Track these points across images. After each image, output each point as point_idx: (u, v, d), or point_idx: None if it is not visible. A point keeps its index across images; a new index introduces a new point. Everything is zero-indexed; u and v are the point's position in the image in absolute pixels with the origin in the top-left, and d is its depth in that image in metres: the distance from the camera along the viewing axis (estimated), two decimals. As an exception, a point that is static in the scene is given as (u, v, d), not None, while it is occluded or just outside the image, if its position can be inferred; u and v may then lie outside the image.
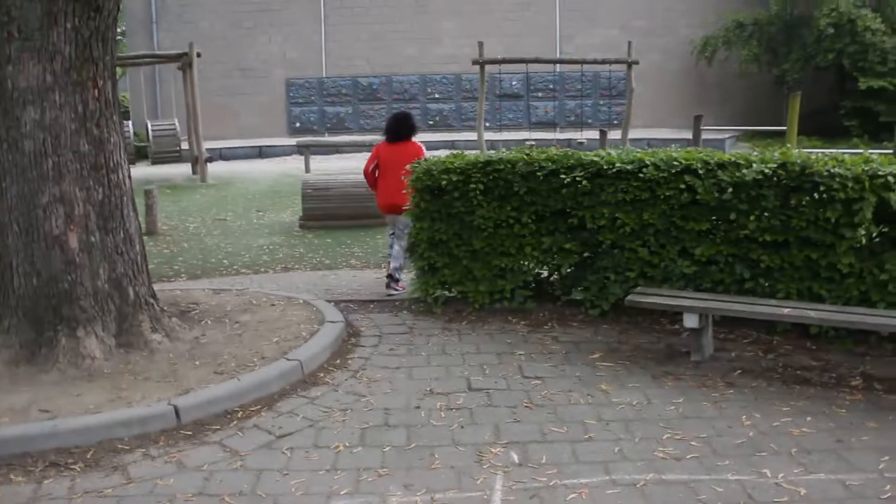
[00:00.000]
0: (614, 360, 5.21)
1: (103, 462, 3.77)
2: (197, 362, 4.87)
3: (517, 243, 6.17)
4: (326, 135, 24.01)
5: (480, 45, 17.49)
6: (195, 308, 6.01)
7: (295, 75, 24.44)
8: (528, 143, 19.67)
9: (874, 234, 5.34)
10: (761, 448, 3.94)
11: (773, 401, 4.54)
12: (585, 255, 6.16)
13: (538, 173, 6.00)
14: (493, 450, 3.92)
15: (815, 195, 5.32)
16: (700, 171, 5.63)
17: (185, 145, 19.93)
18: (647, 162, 5.77)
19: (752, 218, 5.48)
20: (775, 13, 22.10)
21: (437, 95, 24.90)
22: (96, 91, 4.91)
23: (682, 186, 5.65)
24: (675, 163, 5.70)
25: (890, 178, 5.12)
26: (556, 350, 5.42)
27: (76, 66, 4.78)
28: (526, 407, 4.46)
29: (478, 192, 6.08)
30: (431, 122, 24.67)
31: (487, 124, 23.14)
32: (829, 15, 20.35)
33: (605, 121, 23.99)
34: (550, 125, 24.47)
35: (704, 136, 16.84)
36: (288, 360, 4.82)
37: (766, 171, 5.42)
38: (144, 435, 4.00)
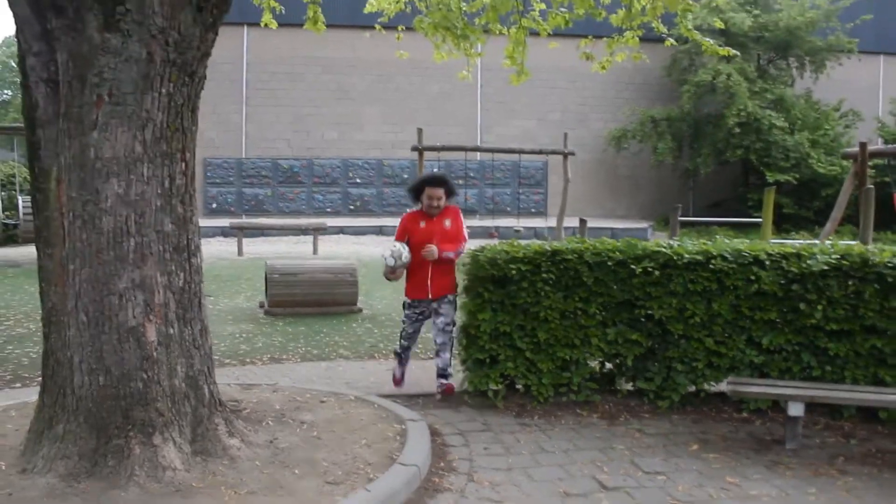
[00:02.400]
0: (716, 452, 5.04)
1: None
2: (296, 471, 4.27)
3: (582, 334, 5.95)
4: (244, 216, 23.20)
5: (419, 131, 17.55)
6: (242, 407, 5.37)
7: (213, 155, 23.68)
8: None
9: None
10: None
11: (897, 486, 4.49)
12: (650, 345, 6.00)
13: (608, 263, 5.86)
14: (680, 556, 3.60)
15: (878, 285, 5.45)
16: (766, 263, 5.66)
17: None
18: (715, 253, 5.75)
19: (819, 308, 5.53)
20: (686, 111, 23.53)
21: (358, 180, 24.73)
22: (184, 164, 4.39)
23: (752, 277, 5.65)
24: (744, 254, 5.71)
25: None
26: (651, 444, 5.17)
27: (167, 136, 4.26)
28: (675, 505, 4.17)
29: (548, 282, 5.86)
30: (352, 207, 24.38)
31: (408, 210, 23.14)
32: (737, 115, 21.85)
33: (524, 209, 24.48)
34: (471, 213, 24.71)
35: (620, 224, 17.48)
36: (404, 465, 4.32)
37: (832, 261, 5.52)
38: (293, 562, 3.41)
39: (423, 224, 6.20)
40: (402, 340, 6.47)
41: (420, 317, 6.35)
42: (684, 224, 20.76)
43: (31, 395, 6.05)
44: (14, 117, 37.31)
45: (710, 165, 23.29)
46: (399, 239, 6.23)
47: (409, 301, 6.34)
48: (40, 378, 6.99)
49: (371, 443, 4.74)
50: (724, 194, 24.05)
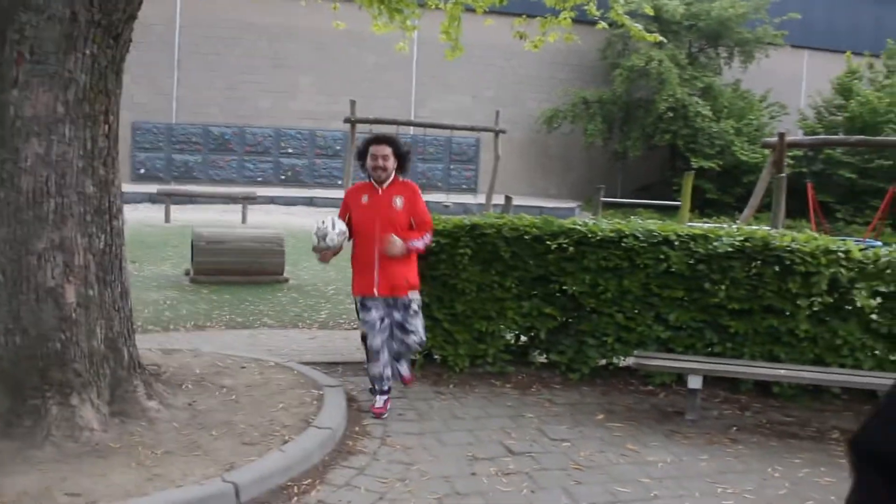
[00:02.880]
0: (619, 421, 5.33)
1: (171, 551, 3.28)
2: (213, 433, 4.37)
3: (499, 306, 6.16)
4: (173, 183, 22.74)
5: (353, 103, 17.48)
6: (163, 371, 5.41)
7: (142, 119, 23.09)
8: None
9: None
10: (805, 497, 4.23)
11: (782, 454, 4.89)
12: (564, 319, 6.26)
13: (525, 238, 6.07)
14: (578, 516, 3.86)
15: (777, 268, 5.81)
16: (675, 243, 5.96)
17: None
18: (627, 232, 6.03)
19: (722, 287, 5.86)
20: (618, 94, 24.03)
21: (290, 150, 24.49)
22: (107, 126, 4.38)
23: (661, 257, 5.95)
24: (654, 234, 6.00)
25: (840, 254, 5.71)
26: (560, 413, 5.44)
27: (90, 98, 4.25)
28: (576, 469, 4.44)
29: (466, 255, 6.04)
30: (283, 177, 24.16)
31: (340, 183, 23.07)
32: (667, 100, 22.44)
33: (455, 185, 24.68)
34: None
35: (549, 203, 17.80)
36: (319, 428, 4.46)
37: (737, 243, 5.85)
38: (205, 518, 3.53)
39: (365, 199, 5.10)
40: (369, 364, 5.17)
41: (382, 323, 5.08)
42: (610, 205, 21.29)
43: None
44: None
45: (640, 149, 23.91)
46: (341, 216, 5.11)
47: (358, 299, 5.18)
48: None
49: (288, 407, 4.86)
50: (651, 178, 24.74)
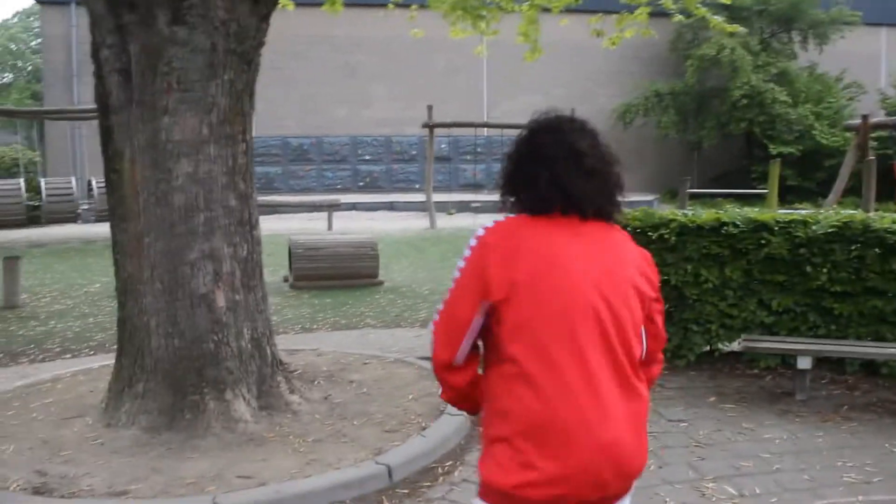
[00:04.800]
0: (732, 403, 5.49)
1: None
2: (354, 422, 4.73)
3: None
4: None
5: (430, 108, 17.90)
6: (294, 369, 5.81)
7: (224, 136, 24.03)
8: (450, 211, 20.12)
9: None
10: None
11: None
12: (667, 308, 6.42)
13: (626, 229, 6.25)
14: (706, 485, 4.07)
15: (879, 249, 5.85)
16: (775, 228, 6.06)
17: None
18: (727, 220, 6.16)
19: (824, 270, 5.94)
20: (691, 85, 23.84)
21: (367, 157, 25.10)
22: (244, 144, 4.80)
23: (762, 242, 6.06)
24: (755, 221, 6.11)
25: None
26: (673, 396, 5.62)
27: (229, 119, 4.67)
28: (697, 446, 4.64)
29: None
30: (362, 184, 24.77)
31: (417, 186, 23.54)
32: (741, 87, 22.17)
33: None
34: (478, 188, 25.09)
35: (628, 197, 17.82)
36: (451, 415, 4.77)
37: (836, 226, 5.92)
38: (364, 497, 3.86)
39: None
40: None
41: None
42: (691, 196, 21.13)
43: (89, 362, 6.54)
44: (16, 99, 37.53)
45: (714, 139, 23.66)
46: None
47: None
48: (94, 347, 7.48)
49: (418, 397, 5.19)
50: (727, 167, 24.43)
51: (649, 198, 21.63)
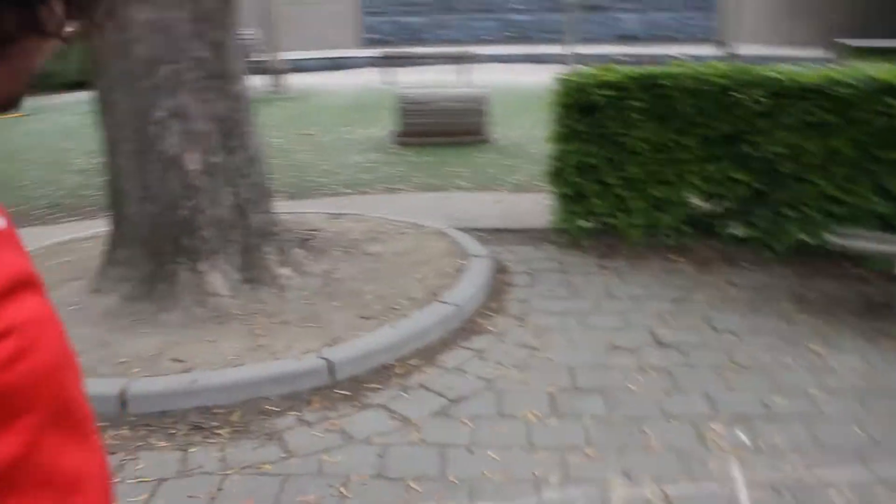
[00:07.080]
0: (809, 313, 4.42)
1: (253, 427, 3.19)
2: (336, 302, 4.24)
3: (678, 170, 5.33)
4: (401, 46, 22.89)
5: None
6: (314, 236, 5.37)
7: (370, -17, 23.28)
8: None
9: None
10: None
11: None
12: (757, 186, 5.29)
13: (708, 89, 5.11)
14: (713, 426, 3.23)
15: None
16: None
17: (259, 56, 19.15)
18: (839, 79, 4.83)
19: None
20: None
21: (517, 6, 23.49)
22: (217, -15, 4.16)
23: (881, 109, 4.71)
24: (874, 80, 4.74)
25: None
26: (737, 297, 4.65)
27: (194, -45, 4.03)
28: (732, 370, 3.72)
29: (637, 110, 5.24)
30: (509, 34, 23.37)
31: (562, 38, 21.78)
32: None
33: (691, 35, 22.38)
34: (631, 38, 22.92)
35: (792, 51, 15.36)
36: (443, 303, 4.16)
37: None
38: (295, 394, 3.40)
39: None
40: None
41: None
42: (868, 51, 18.10)
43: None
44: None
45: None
46: None
47: None
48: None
49: (425, 278, 4.58)
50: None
51: (817, 55, 18.76)
